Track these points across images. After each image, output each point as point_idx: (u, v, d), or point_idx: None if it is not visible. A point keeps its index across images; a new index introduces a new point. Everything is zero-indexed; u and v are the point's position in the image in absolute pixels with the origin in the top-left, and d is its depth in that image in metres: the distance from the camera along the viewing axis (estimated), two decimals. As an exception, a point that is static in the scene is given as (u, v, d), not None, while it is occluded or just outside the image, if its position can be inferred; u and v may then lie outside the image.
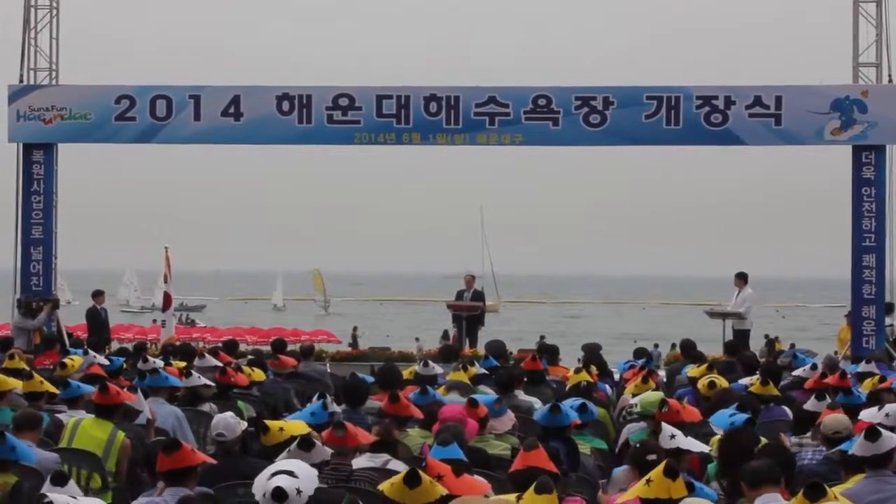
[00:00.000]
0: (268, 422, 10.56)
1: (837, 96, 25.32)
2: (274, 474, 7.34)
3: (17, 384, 13.85)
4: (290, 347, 22.26)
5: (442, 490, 7.53)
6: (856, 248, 25.59)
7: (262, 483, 7.55)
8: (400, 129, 26.04)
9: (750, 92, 25.54)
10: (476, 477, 8.59)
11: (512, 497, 7.00)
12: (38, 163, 26.69)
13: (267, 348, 21.82)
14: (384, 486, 7.54)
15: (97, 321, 26.73)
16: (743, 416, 12.02)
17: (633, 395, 15.17)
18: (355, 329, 32.82)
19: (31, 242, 26.65)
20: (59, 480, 7.31)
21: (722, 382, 14.77)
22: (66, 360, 18.29)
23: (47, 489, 7.11)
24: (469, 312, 27.68)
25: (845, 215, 25.67)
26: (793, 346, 30.18)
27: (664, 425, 10.98)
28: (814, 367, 19.00)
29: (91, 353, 20.75)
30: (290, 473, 5.94)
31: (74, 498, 6.93)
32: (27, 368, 15.87)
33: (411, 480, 7.45)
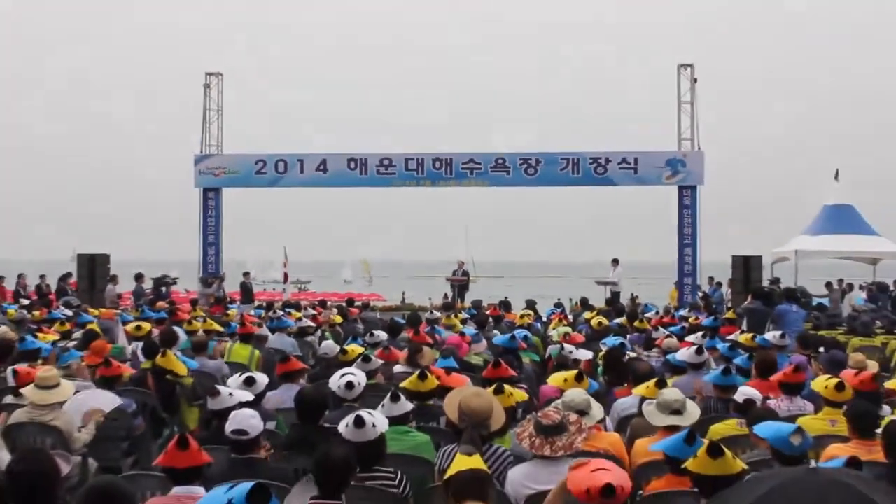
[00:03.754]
0: (347, 347, 10.74)
1: (670, 157, 25.52)
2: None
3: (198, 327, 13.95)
4: (356, 303, 22.25)
5: (436, 382, 7.73)
6: (680, 244, 25.80)
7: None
8: (419, 177, 26.09)
9: (620, 155, 25.65)
10: (462, 375, 8.75)
11: (486, 389, 6.86)
12: (212, 199, 26.85)
13: (343, 304, 21.82)
14: (406, 383, 7.68)
15: (246, 289, 26.81)
16: (618, 339, 12.19)
17: (553, 329, 15.33)
18: (404, 294, 32.66)
19: (208, 244, 26.85)
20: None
21: (604, 321, 14.84)
22: (229, 312, 18.58)
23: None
24: (460, 283, 27.79)
25: (675, 224, 25.91)
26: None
27: (565, 345, 11.18)
28: (657, 312, 19.26)
29: (242, 307, 20.88)
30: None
31: (231, 394, 7.01)
32: (206, 317, 16.01)
33: (422, 376, 7.63)
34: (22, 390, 7.69)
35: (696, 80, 26.15)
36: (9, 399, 8.15)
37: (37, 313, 17.60)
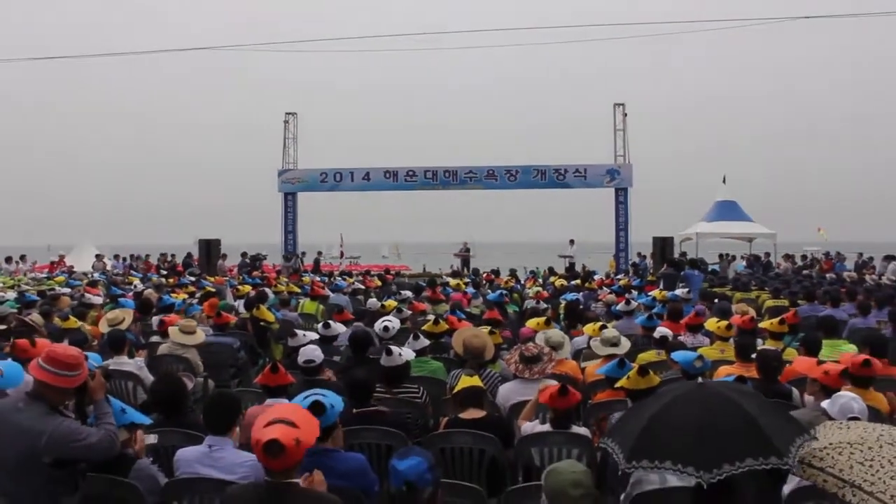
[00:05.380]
0: (385, 302, 10.73)
1: (609, 168, 25.22)
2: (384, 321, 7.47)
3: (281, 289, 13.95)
4: (391, 272, 22.31)
5: (446, 326, 7.70)
6: (617, 227, 25.45)
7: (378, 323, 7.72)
8: (433, 183, 25.74)
9: (574, 167, 25.35)
10: (466, 322, 8.73)
11: (482, 329, 6.86)
12: (290, 200, 26.65)
13: (382, 272, 21.85)
14: (425, 327, 7.65)
15: (316, 263, 26.87)
16: (574, 296, 12.17)
17: (529, 289, 15.33)
18: (424, 265, 32.47)
19: (287, 232, 26.66)
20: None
21: (564, 283, 14.87)
22: (303, 278, 18.54)
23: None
24: (464, 257, 27.77)
25: (613, 214, 25.75)
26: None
27: (539, 301, 11.16)
28: (601, 276, 19.21)
29: (312, 275, 20.89)
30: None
31: (305, 335, 7.03)
32: (287, 282, 16.04)
33: (436, 322, 7.61)
34: (169, 330, 7.72)
35: (626, 115, 25.93)
36: (155, 338, 8.25)
37: (171, 280, 17.71)
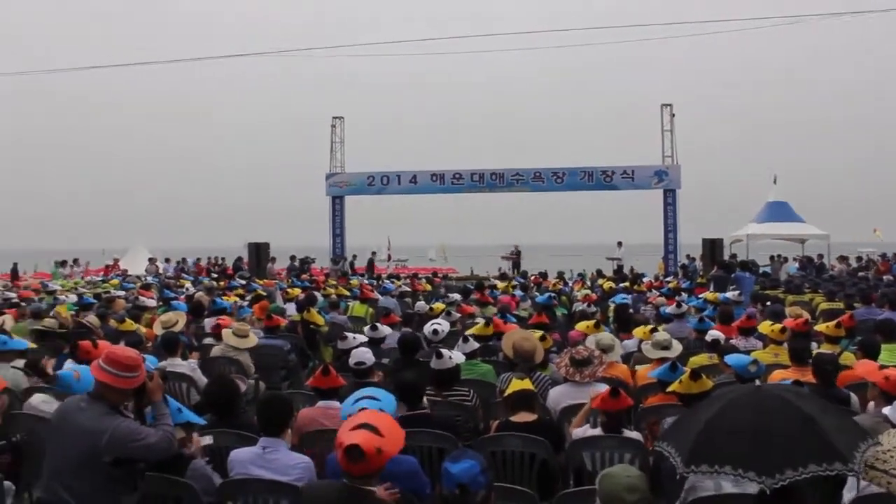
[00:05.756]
0: (433, 305, 10.73)
1: (657, 169, 24.89)
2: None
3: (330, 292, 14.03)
4: (439, 275, 22.30)
5: (493, 329, 7.68)
6: (665, 230, 25.14)
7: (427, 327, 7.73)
8: (480, 185, 25.61)
9: (622, 168, 25.11)
10: (514, 325, 8.68)
11: (533, 333, 6.79)
12: (338, 204, 26.80)
13: (430, 275, 21.84)
14: (473, 330, 7.64)
15: (370, 264, 26.90)
16: (623, 298, 12.06)
17: (577, 291, 15.22)
18: (472, 268, 32.22)
19: (335, 235, 26.80)
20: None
21: (613, 285, 14.72)
22: (351, 281, 18.68)
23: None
24: (513, 259, 27.73)
25: (661, 216, 25.42)
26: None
27: (588, 304, 11.06)
28: (650, 279, 18.98)
29: (360, 278, 20.99)
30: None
31: (354, 337, 7.06)
32: (336, 285, 16.14)
33: (486, 324, 7.60)
34: (223, 332, 7.82)
35: (673, 115, 25.63)
36: (208, 341, 8.38)
37: (221, 283, 17.99)
